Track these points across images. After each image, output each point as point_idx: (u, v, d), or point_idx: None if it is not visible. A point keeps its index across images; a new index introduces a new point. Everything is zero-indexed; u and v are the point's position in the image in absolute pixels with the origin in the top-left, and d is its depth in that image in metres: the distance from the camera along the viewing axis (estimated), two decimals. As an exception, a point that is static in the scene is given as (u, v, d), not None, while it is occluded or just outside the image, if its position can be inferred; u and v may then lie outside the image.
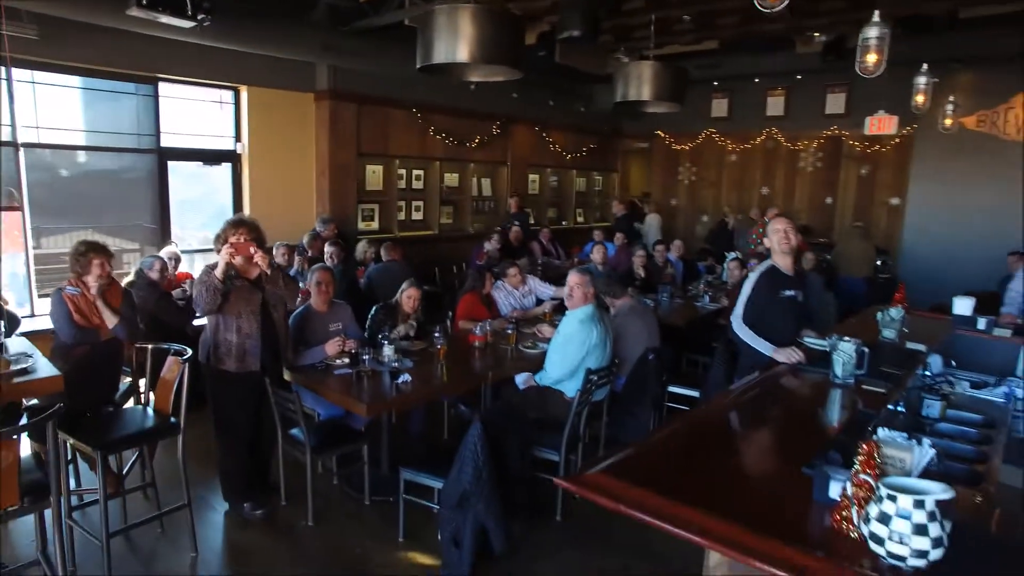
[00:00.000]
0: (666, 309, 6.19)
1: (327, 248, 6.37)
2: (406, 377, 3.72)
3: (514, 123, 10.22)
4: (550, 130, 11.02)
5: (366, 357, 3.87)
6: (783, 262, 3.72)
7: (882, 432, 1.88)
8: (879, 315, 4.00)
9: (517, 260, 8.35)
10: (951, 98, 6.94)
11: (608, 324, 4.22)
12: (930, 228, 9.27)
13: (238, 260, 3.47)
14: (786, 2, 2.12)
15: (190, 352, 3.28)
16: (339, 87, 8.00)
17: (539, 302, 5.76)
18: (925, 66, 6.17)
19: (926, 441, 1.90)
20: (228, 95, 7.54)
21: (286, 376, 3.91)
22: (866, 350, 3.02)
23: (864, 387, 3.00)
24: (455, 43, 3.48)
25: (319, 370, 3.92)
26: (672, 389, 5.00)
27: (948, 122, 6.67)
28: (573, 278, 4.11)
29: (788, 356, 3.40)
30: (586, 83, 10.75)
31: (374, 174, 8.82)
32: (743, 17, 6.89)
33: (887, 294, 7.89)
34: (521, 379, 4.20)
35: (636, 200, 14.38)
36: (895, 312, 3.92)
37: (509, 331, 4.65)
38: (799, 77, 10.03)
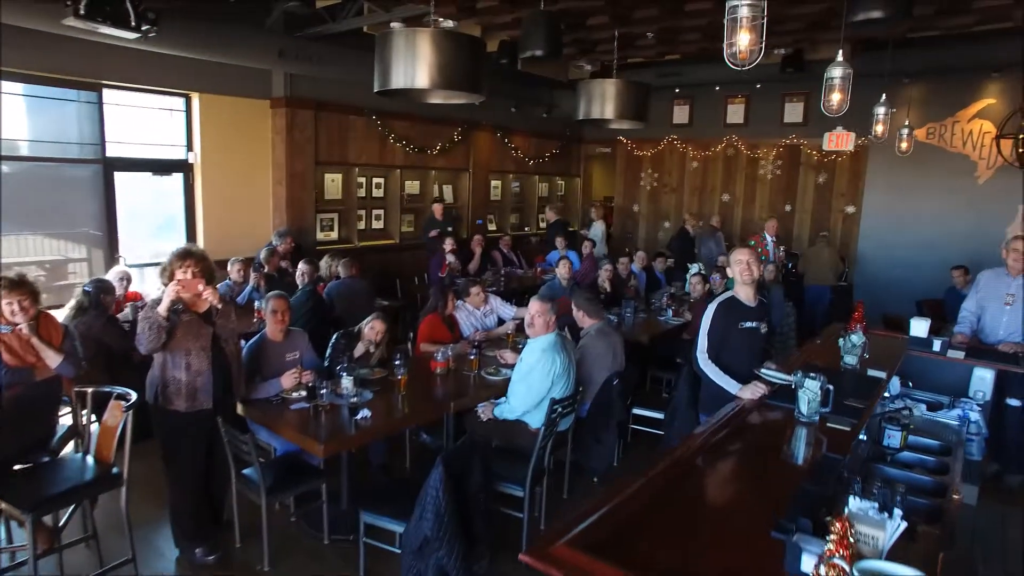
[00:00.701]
0: (630, 325, 6.16)
1: (300, 267, 6.15)
2: (365, 413, 3.59)
3: (475, 129, 10.10)
4: (512, 136, 10.94)
5: (324, 391, 3.72)
6: (744, 293, 3.68)
7: (853, 503, 1.85)
8: (841, 341, 4.02)
9: (478, 272, 8.35)
10: (906, 122, 7.10)
11: (571, 351, 4.15)
12: (883, 236, 9.48)
13: (186, 296, 3.30)
14: (757, 61, 2.08)
15: (135, 396, 3.09)
16: (296, 94, 7.78)
17: (501, 321, 5.67)
18: (884, 96, 6.29)
19: (897, 513, 1.87)
20: (179, 102, 7.25)
21: (240, 410, 3.74)
22: (830, 388, 3.01)
23: (829, 424, 2.99)
24: (413, 67, 3.36)
25: (274, 404, 3.77)
26: (637, 411, 4.98)
27: (904, 145, 6.80)
28: (534, 307, 4.03)
29: (752, 393, 3.37)
30: (548, 89, 10.71)
31: (333, 183, 8.61)
32: (705, 34, 6.92)
33: (846, 302, 8.06)
34: (483, 411, 4.11)
35: (598, 204, 14.41)
36: (856, 338, 3.93)
37: (472, 356, 4.55)
38: (758, 86, 10.15)
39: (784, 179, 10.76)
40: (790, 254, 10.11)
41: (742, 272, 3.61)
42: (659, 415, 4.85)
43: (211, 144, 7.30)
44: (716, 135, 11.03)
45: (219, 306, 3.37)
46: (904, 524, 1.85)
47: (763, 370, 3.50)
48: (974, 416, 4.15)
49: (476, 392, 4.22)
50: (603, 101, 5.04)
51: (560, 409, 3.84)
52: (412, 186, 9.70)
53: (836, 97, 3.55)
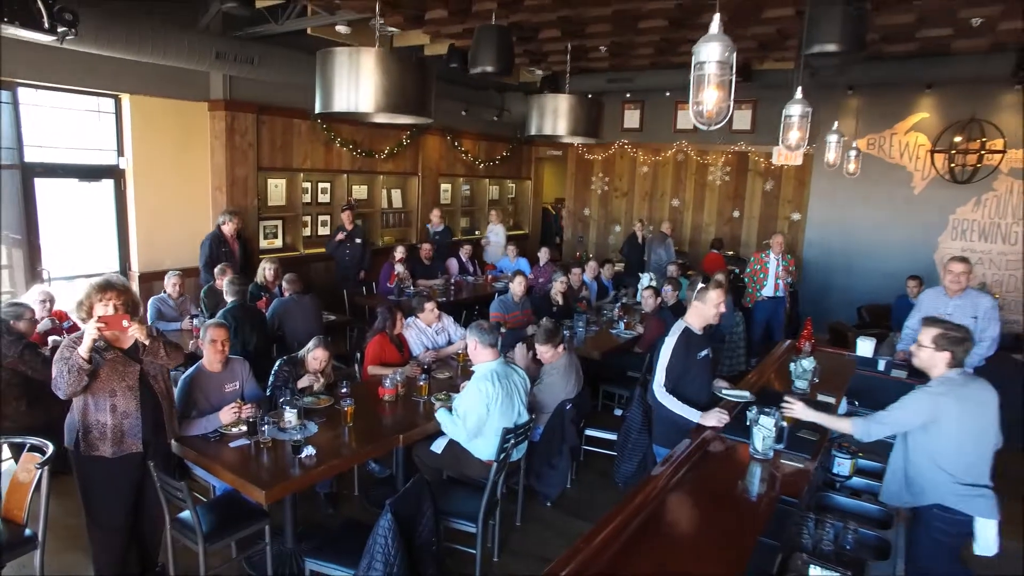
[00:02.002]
0: (582, 339, 6.11)
1: (286, 280, 5.92)
2: (310, 451, 3.42)
3: (424, 132, 9.89)
4: (462, 138, 10.77)
5: (265, 426, 3.53)
6: (697, 323, 3.70)
7: (814, 572, 1.80)
8: (792, 366, 4.05)
9: (430, 279, 8.18)
10: (854, 144, 7.27)
11: (519, 379, 4.03)
12: (827, 242, 9.71)
13: (108, 334, 3.05)
14: (723, 121, 2.01)
15: (52, 449, 2.83)
16: (236, 96, 7.43)
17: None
18: (836, 123, 6.45)
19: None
20: (108, 104, 6.83)
21: (175, 449, 3.51)
22: (784, 425, 3.00)
23: (783, 461, 2.98)
24: (357, 90, 3.19)
25: (212, 441, 3.55)
26: (589, 432, 4.92)
27: (852, 167, 6.96)
28: (469, 342, 3.93)
29: (717, 420, 3.40)
30: (498, 92, 10.58)
31: (276, 188, 8.30)
32: (657, 49, 6.92)
33: (793, 308, 8.18)
34: (438, 446, 3.98)
35: (549, 207, 14.41)
36: (807, 363, 3.97)
37: (421, 381, 4.41)
38: (707, 92, 10.23)
39: (732, 185, 10.92)
40: (736, 259, 10.27)
41: (715, 316, 3.68)
42: (612, 436, 4.80)
43: (144, 148, 6.90)
44: (666, 140, 11.10)
45: (146, 341, 3.12)
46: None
47: (722, 391, 3.63)
48: (917, 437, 4.24)
49: (427, 419, 4.08)
50: (555, 117, 4.97)
51: (513, 440, 3.75)
52: (360, 191, 9.45)
53: (795, 135, 3.55)
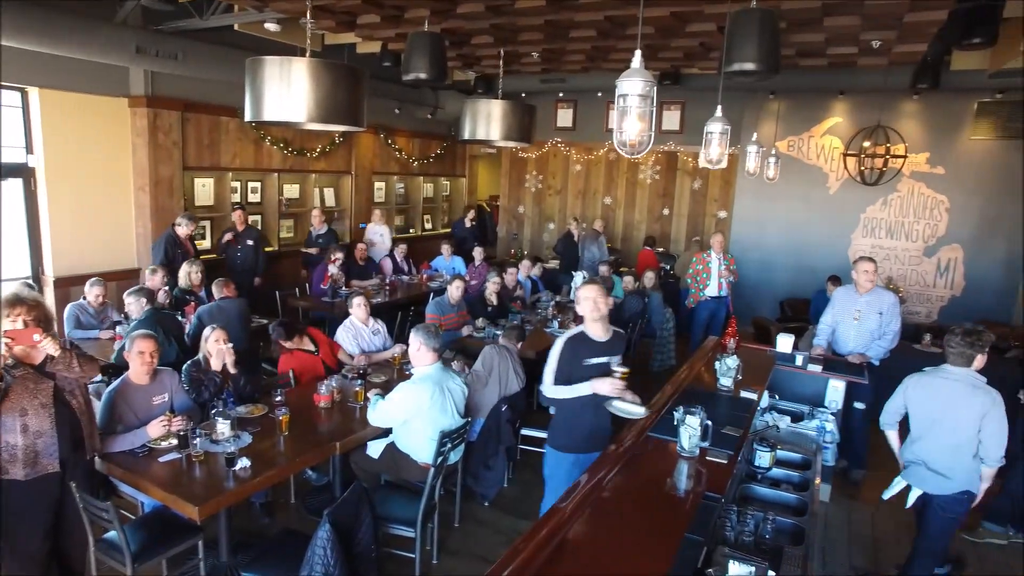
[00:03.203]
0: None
1: (215, 284, 5.74)
2: (244, 462, 3.37)
3: (357, 131, 9.76)
4: (395, 136, 10.70)
5: (197, 439, 3.46)
6: (593, 328, 3.51)
7: (733, 568, 1.95)
8: (717, 364, 4.26)
9: (364, 280, 8.11)
10: (774, 151, 7.63)
11: (456, 384, 4.08)
12: (751, 239, 10.14)
13: (18, 350, 2.92)
14: (645, 151, 2.12)
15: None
16: (158, 93, 7.16)
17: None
18: (755, 135, 6.73)
19: (771, 574, 1.99)
20: (14, 97, 6.45)
21: (99, 466, 3.40)
22: (709, 424, 3.17)
23: (708, 458, 3.15)
24: (288, 100, 3.16)
25: (140, 456, 3.45)
26: (526, 432, 5.03)
27: (772, 173, 7.32)
28: (415, 339, 3.95)
29: (611, 386, 3.37)
30: (432, 90, 10.55)
31: (204, 188, 8.05)
32: (588, 56, 7.08)
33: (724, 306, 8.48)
34: (376, 451, 3.99)
35: (483, 204, 14.47)
36: (731, 361, 4.18)
37: (357, 386, 4.40)
38: (637, 94, 10.50)
39: (662, 184, 11.27)
40: (667, 256, 10.62)
41: (590, 310, 3.47)
42: (544, 435, 4.90)
43: (57, 145, 6.57)
44: (599, 140, 11.33)
45: (55, 354, 3.00)
46: (777, 587, 1.97)
47: (614, 405, 3.37)
48: (829, 427, 4.56)
49: (363, 424, 4.08)
50: (488, 122, 5.02)
51: (450, 444, 3.81)
52: (291, 190, 9.26)
53: (716, 151, 3.73)
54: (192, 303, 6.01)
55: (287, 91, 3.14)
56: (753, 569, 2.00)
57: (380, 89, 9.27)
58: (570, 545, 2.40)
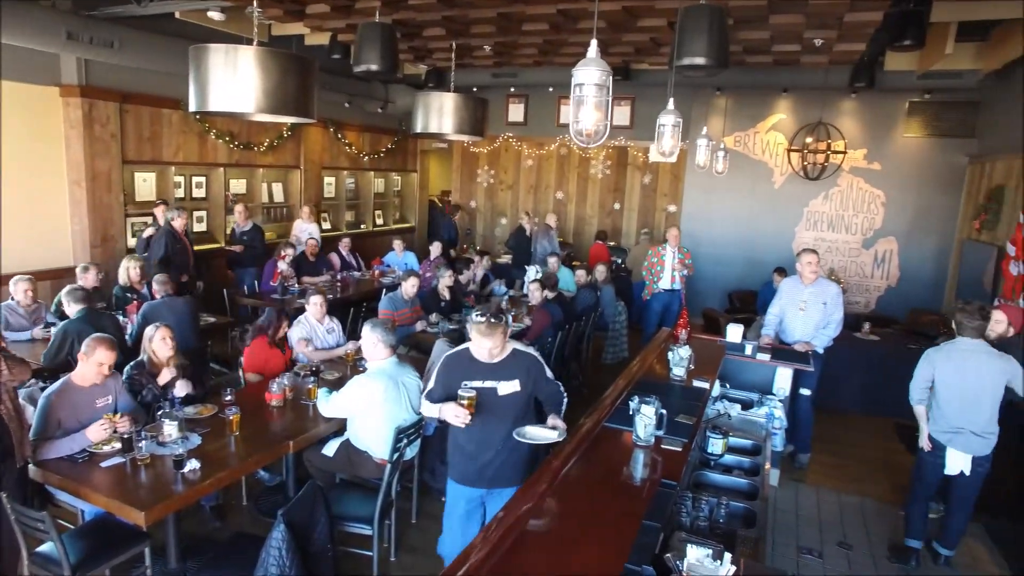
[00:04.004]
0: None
1: (156, 281, 5.53)
2: (194, 464, 3.26)
3: (306, 125, 9.56)
4: (345, 131, 10.52)
5: (143, 442, 3.34)
6: (479, 349, 3.07)
7: (691, 552, 1.99)
8: (670, 354, 4.34)
9: (315, 276, 7.95)
10: (722, 146, 7.80)
11: (411, 379, 4.04)
12: (700, 233, 10.35)
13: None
14: (601, 140, 2.13)
15: None
16: (94, 82, 6.85)
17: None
18: (705, 129, 6.89)
19: (727, 556, 2.04)
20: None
21: (32, 474, 3.24)
22: (663, 412, 3.23)
23: (663, 446, 3.21)
24: (235, 90, 3.06)
25: (80, 463, 3.30)
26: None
27: (721, 167, 7.48)
28: (368, 334, 3.90)
29: (454, 414, 2.99)
30: (382, 84, 10.41)
31: (145, 183, 7.75)
32: (540, 50, 7.09)
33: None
34: (330, 449, 3.92)
35: (436, 200, 14.37)
36: (683, 351, 4.27)
37: (310, 384, 4.31)
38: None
39: (613, 179, 11.41)
40: (618, 249, 10.76)
41: (483, 356, 3.09)
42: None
43: (-20, 137, 6.22)
44: (550, 135, 11.39)
45: None
46: (733, 568, 2.02)
47: (525, 434, 3.03)
48: (778, 413, 4.70)
49: (317, 422, 4.01)
50: (440, 115, 4.98)
51: (406, 439, 3.77)
52: (238, 184, 9.00)
53: (668, 143, 3.79)
54: (135, 302, 5.79)
55: (234, 81, 3.04)
56: (710, 551, 2.05)
57: (330, 82, 9.09)
58: (531, 535, 2.41)
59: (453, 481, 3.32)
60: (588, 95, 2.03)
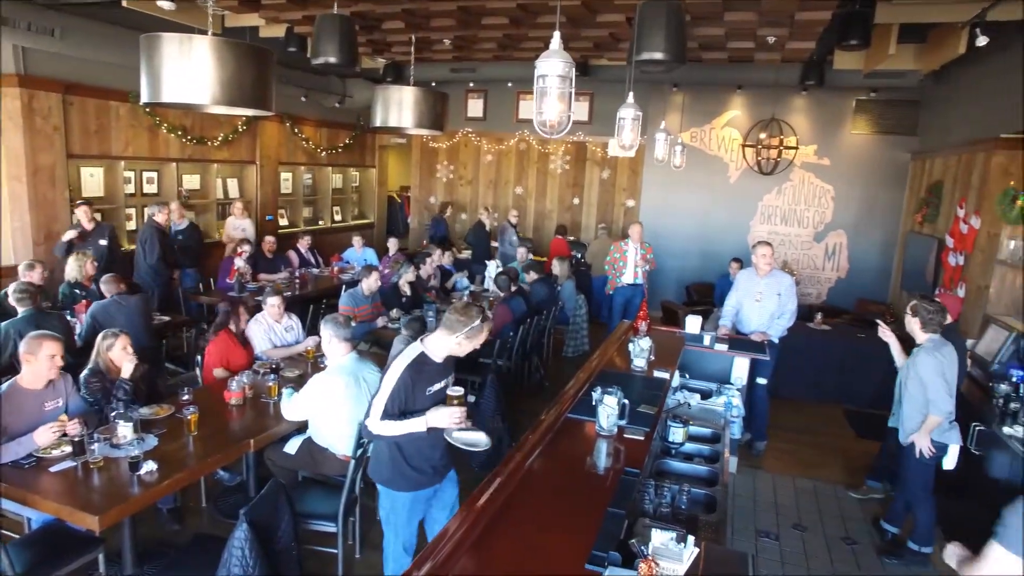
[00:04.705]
0: (432, 329, 6.14)
1: (104, 281, 5.32)
2: (150, 466, 3.19)
3: (261, 119, 9.36)
4: (302, 126, 10.34)
5: (95, 444, 3.23)
6: (436, 348, 3.01)
7: (656, 536, 2.03)
8: (631, 346, 4.40)
9: (273, 273, 7.81)
10: (680, 141, 7.93)
11: (372, 374, 4.01)
12: (658, 227, 10.48)
13: None
14: (565, 131, 2.15)
15: None
16: (34, 72, 6.57)
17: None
18: (664, 123, 6.95)
19: (690, 540, 2.09)
20: None
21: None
22: (626, 403, 3.28)
23: (626, 435, 3.26)
24: (189, 81, 2.99)
25: (27, 468, 3.17)
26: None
27: (679, 161, 7.61)
28: (325, 331, 3.85)
29: (450, 418, 2.90)
30: (340, 78, 10.27)
31: (92, 178, 7.48)
32: (500, 44, 7.09)
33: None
34: (292, 447, 3.87)
35: (395, 195, 14.26)
36: (644, 343, 4.34)
37: (271, 381, 4.25)
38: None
39: (572, 174, 11.48)
40: (578, 244, 10.84)
41: (462, 352, 3.04)
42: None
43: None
44: (509, 130, 11.40)
45: None
46: (696, 550, 2.07)
47: (453, 435, 2.99)
48: (735, 402, 4.81)
49: (278, 420, 3.95)
50: (400, 109, 4.95)
51: (370, 435, 3.74)
52: (191, 180, 8.76)
53: (628, 136, 3.84)
54: (85, 300, 5.59)
55: (188, 71, 2.96)
56: (674, 535, 2.10)
57: (286, 76, 8.93)
58: (498, 527, 2.42)
59: (404, 492, 3.11)
60: (551, 86, 2.05)
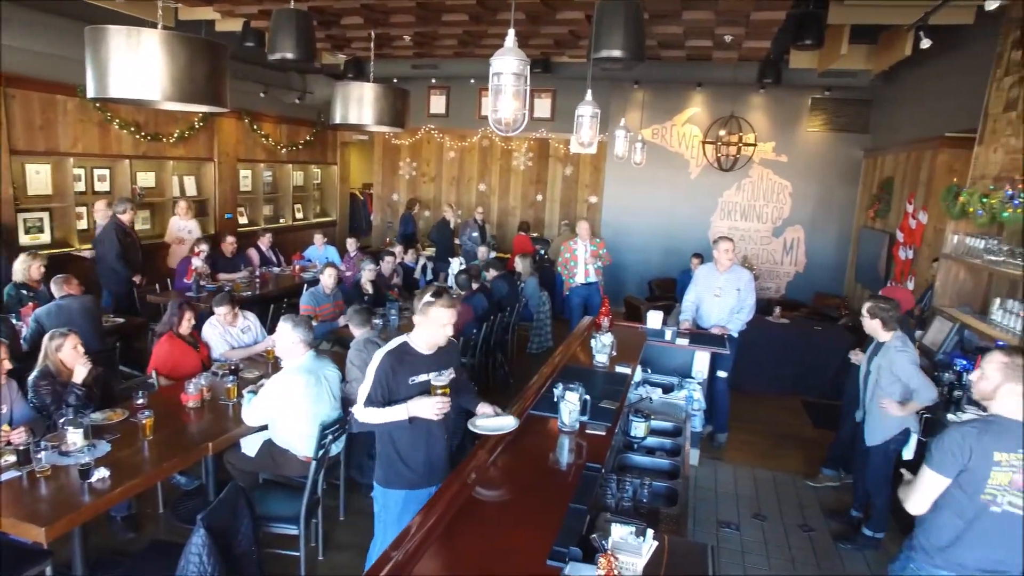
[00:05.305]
0: (395, 327, 6.12)
1: (55, 281, 5.15)
2: (102, 473, 3.09)
3: (219, 115, 9.15)
4: (261, 122, 10.15)
5: (42, 452, 3.13)
6: (422, 342, 3.01)
7: (615, 531, 2.05)
8: (593, 342, 4.43)
9: (232, 273, 7.66)
10: (640, 137, 8.00)
11: (332, 372, 3.97)
12: (621, 223, 10.60)
13: None
14: (520, 128, 2.15)
15: None
16: (-30, 64, 6.31)
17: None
18: (624, 120, 7.00)
19: (649, 533, 2.12)
20: None
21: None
22: (587, 399, 3.30)
23: (587, 431, 3.28)
24: (137, 76, 2.90)
25: (-32, 479, 3.06)
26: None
27: (639, 158, 7.68)
28: (279, 335, 3.79)
29: (434, 408, 2.88)
30: (300, 74, 10.11)
31: (38, 175, 7.22)
32: (460, 41, 7.06)
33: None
34: (252, 448, 3.80)
35: (357, 193, 14.09)
36: (606, 339, 4.37)
37: (229, 383, 4.16)
38: (511, 82, 10.63)
39: (535, 170, 11.50)
40: (541, 240, 10.87)
41: (444, 339, 3.03)
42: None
43: None
44: (472, 126, 11.37)
45: None
46: (655, 543, 2.10)
47: (476, 424, 3.05)
48: (696, 396, 4.90)
49: (237, 422, 3.87)
50: (360, 105, 4.89)
51: (331, 435, 3.70)
52: (146, 178, 8.53)
53: (587, 133, 3.86)
54: (32, 303, 5.39)
55: (138, 66, 2.88)
56: (633, 528, 2.13)
57: (244, 71, 8.74)
58: (461, 523, 2.42)
59: (397, 490, 3.07)
60: (506, 84, 2.05)
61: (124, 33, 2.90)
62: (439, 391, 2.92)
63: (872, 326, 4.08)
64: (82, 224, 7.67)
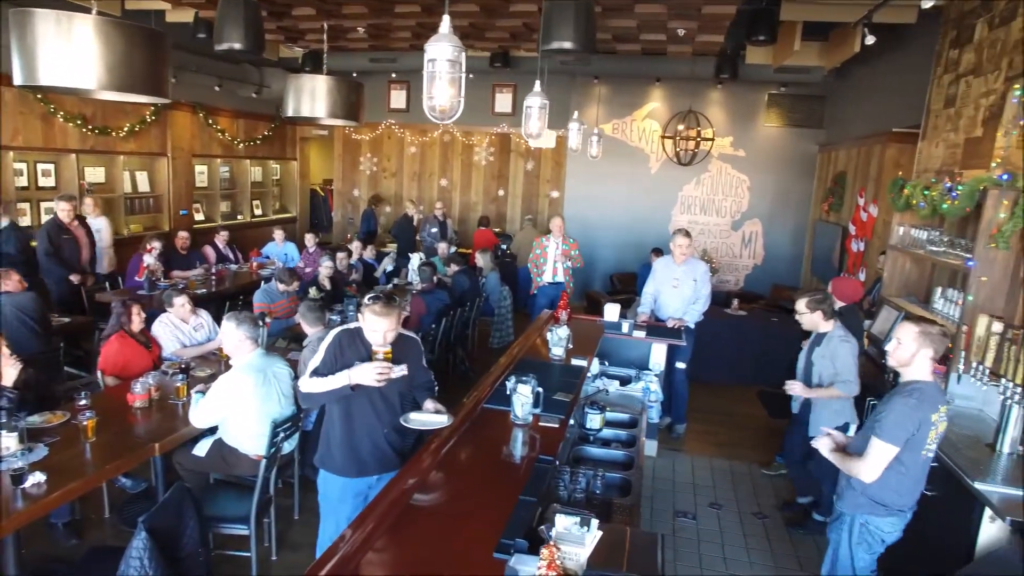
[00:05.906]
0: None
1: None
2: (37, 477, 2.98)
3: (172, 109, 8.92)
4: (217, 116, 9.91)
5: (-27, 457, 3.00)
6: (371, 334, 2.93)
7: (559, 521, 2.04)
8: (549, 335, 4.44)
9: (186, 270, 7.48)
10: (597, 129, 8.03)
11: (282, 369, 3.89)
12: (583, 217, 10.64)
13: None
14: (456, 116, 2.12)
15: None
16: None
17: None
18: (576, 113, 7.03)
19: (594, 523, 2.12)
20: None
21: None
22: (540, 391, 3.29)
23: (541, 423, 3.28)
24: (70, 62, 2.78)
25: None
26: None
27: (595, 151, 7.71)
28: (226, 333, 3.71)
29: (375, 373, 2.82)
30: (256, 67, 9.91)
31: (-25, 169, 6.93)
32: (415, 33, 6.99)
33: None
34: (202, 448, 3.71)
35: (318, 189, 13.89)
36: (562, 332, 4.38)
37: (179, 382, 4.05)
38: (471, 76, 10.50)
39: (497, 165, 11.48)
40: (503, 235, 10.86)
41: (376, 342, 2.92)
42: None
43: None
44: (432, 121, 11.24)
45: None
46: (600, 533, 2.11)
47: (410, 417, 3.00)
48: (653, 387, 4.94)
49: (185, 425, 3.77)
50: (313, 98, 4.79)
51: (283, 433, 3.63)
52: (95, 173, 8.26)
53: (535, 125, 3.85)
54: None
55: (70, 52, 2.76)
56: (578, 519, 2.13)
57: (197, 63, 8.54)
58: (410, 516, 2.39)
59: (335, 475, 3.11)
60: (441, 71, 2.03)
61: (52, 17, 2.78)
62: (380, 354, 2.86)
63: (813, 320, 4.09)
64: (25, 220, 7.39)
